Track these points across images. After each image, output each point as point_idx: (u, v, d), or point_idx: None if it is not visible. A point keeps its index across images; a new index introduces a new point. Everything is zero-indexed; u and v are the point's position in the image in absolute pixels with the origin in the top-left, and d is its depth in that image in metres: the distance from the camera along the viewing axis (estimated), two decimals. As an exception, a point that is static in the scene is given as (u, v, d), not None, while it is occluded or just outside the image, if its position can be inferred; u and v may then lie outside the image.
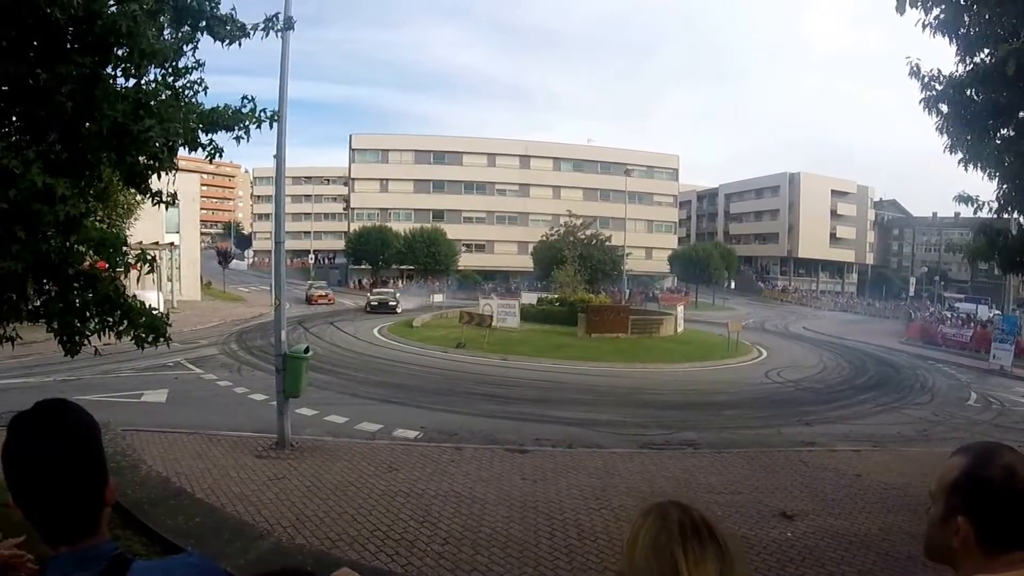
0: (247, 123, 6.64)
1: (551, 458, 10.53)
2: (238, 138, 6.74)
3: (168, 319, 6.36)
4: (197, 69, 6.35)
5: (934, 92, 8.51)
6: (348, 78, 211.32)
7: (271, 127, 6.90)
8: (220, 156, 6.79)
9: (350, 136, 75.75)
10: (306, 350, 10.82)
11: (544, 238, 57.00)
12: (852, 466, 10.72)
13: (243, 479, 8.43)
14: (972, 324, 40.97)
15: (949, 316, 47.50)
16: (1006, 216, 8.79)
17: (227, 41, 6.36)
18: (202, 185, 62.50)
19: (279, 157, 10.75)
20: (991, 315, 44.68)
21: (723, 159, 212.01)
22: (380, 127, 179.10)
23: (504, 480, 9.04)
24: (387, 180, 74.82)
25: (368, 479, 8.70)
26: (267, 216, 70.10)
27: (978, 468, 1.48)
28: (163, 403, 13.86)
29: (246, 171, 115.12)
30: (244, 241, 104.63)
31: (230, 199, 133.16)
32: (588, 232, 53.76)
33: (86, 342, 5.85)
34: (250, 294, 48.00)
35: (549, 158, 77.11)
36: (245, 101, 6.73)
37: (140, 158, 5.98)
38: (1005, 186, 8.22)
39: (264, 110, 6.74)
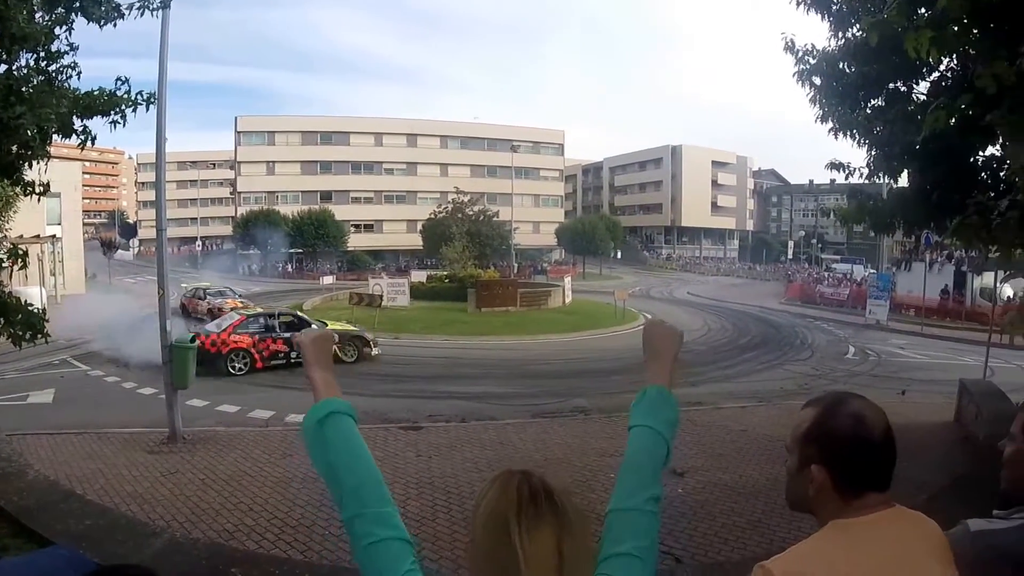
0: (123, 107, 6.24)
1: (445, 433, 10.54)
2: (114, 123, 6.35)
3: (46, 315, 6.16)
4: (70, 53, 6.03)
5: (807, 66, 8.84)
6: (236, 59, 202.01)
7: (147, 110, 6.47)
8: (93, 143, 6.43)
9: (235, 118, 72.96)
10: (192, 339, 10.49)
11: (432, 216, 56.63)
12: (738, 422, 11.12)
13: (135, 477, 8.07)
14: (848, 283, 43.56)
15: (827, 276, 50.44)
16: (876, 181, 9.19)
17: (102, 22, 5.92)
18: (84, 173, 58.50)
19: (159, 141, 10.10)
20: (866, 274, 47.60)
21: (608, 134, 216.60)
22: (268, 109, 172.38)
23: (399, 458, 8.98)
24: (274, 162, 72.70)
25: (263, 467, 8.54)
26: (152, 203, 65.79)
27: (828, 418, 1.52)
28: (50, 403, 13.08)
29: (130, 157, 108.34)
30: (129, 230, 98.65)
31: (114, 187, 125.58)
32: (476, 208, 53.81)
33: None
34: (137, 285, 44.98)
35: (436, 136, 76.70)
36: (119, 84, 6.28)
37: (12, 147, 5.64)
38: (874, 152, 8.59)
39: (140, 93, 6.34)
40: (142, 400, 13.15)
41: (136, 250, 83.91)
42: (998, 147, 5.61)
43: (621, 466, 1.51)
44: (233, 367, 16.37)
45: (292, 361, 16.63)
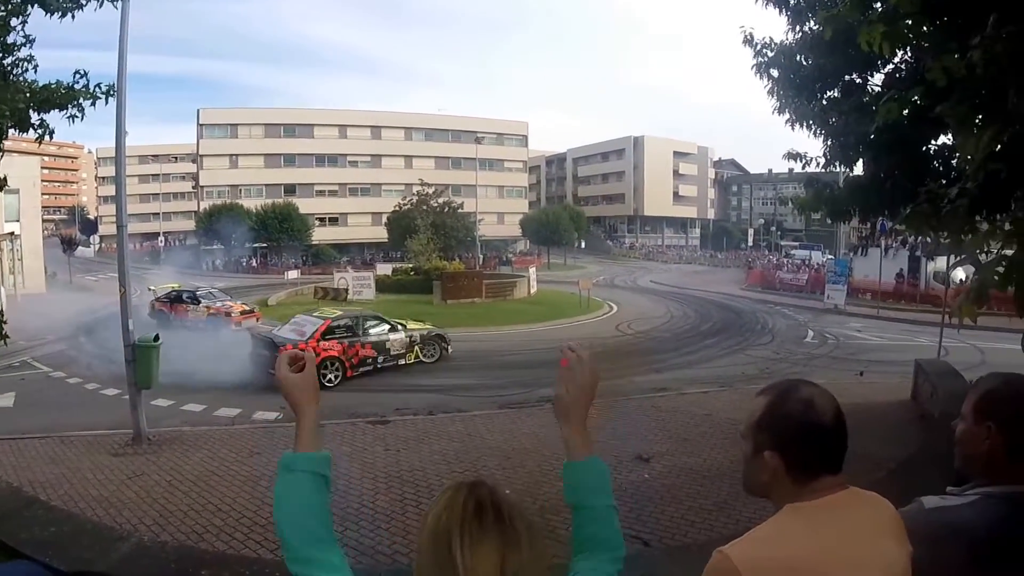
0: (81, 100, 6.09)
1: (413, 426, 10.55)
2: (72, 117, 6.17)
3: (3, 316, 5.98)
4: (27, 45, 5.81)
5: (766, 58, 9.03)
6: (198, 51, 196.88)
7: (106, 103, 6.32)
8: (51, 137, 6.25)
9: (198, 111, 70.93)
10: (156, 338, 10.18)
11: (397, 208, 56.21)
12: (702, 407, 11.32)
13: (101, 480, 7.93)
14: (807, 269, 44.22)
15: (786, 263, 51.15)
16: (832, 170, 9.40)
17: (60, 13, 5.75)
18: (43, 168, 56.54)
19: (119, 136, 9.87)
20: (824, 260, 48.46)
21: (571, 125, 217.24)
22: (231, 101, 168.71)
23: (367, 453, 8.99)
24: (237, 156, 70.81)
25: (230, 466, 8.46)
26: (114, 199, 63.50)
27: (778, 405, 1.57)
28: (11, 407, 12.76)
29: (90, 151, 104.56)
30: (90, 226, 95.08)
31: (74, 182, 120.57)
32: (440, 200, 53.57)
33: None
34: (99, 283, 43.60)
35: (400, 128, 75.70)
36: (78, 77, 6.14)
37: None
38: (830, 142, 8.78)
39: (99, 85, 6.18)
40: (105, 401, 12.92)
41: (97, 247, 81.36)
42: (949, 137, 5.78)
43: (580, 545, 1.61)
44: (325, 378, 14.66)
45: (379, 367, 16.21)
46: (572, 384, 1.63)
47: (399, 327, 17.41)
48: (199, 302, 25.31)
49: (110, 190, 74.15)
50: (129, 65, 9.48)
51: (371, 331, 16.64)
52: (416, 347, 17.45)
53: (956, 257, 4.78)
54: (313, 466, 1.51)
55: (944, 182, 5.84)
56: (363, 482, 7.70)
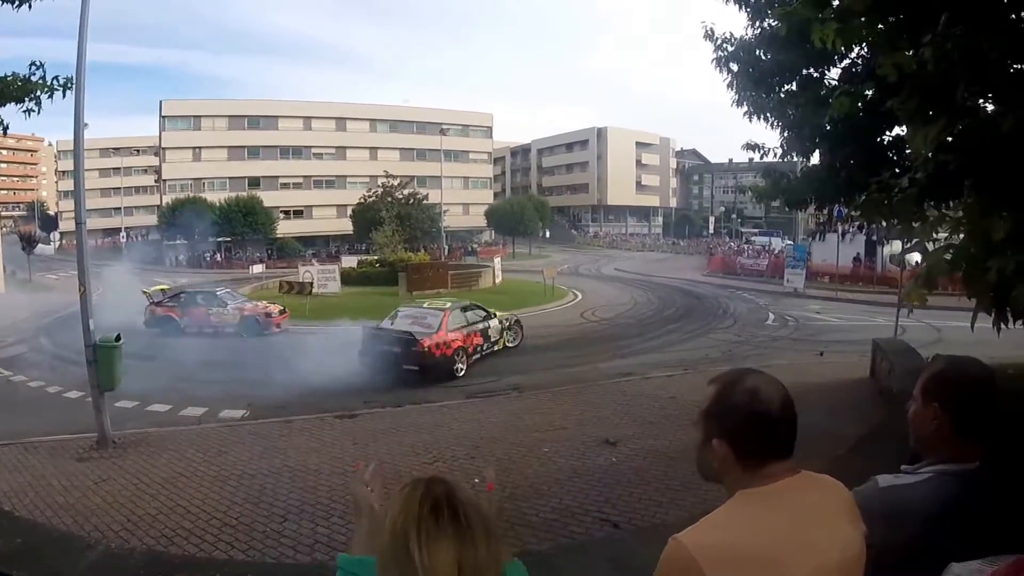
0: (38, 93, 5.92)
1: (381, 419, 10.52)
2: (28, 111, 6.00)
3: None
4: None
5: (726, 52, 9.18)
6: (160, 41, 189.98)
7: (64, 96, 6.15)
8: (6, 132, 6.04)
9: (160, 102, 68.56)
10: (117, 338, 9.83)
11: (362, 200, 55.75)
12: (666, 390, 11.48)
13: (66, 487, 7.66)
14: (767, 254, 45.30)
15: (746, 249, 52.02)
16: (789, 160, 9.62)
17: (15, 2, 5.57)
18: (0, 163, 54.55)
19: (77, 129, 9.42)
20: (783, 246, 49.33)
21: (535, 117, 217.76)
22: (194, 92, 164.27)
23: (336, 447, 8.93)
24: (200, 148, 68.73)
25: (198, 467, 8.27)
26: (74, 193, 61.20)
27: (725, 395, 1.60)
28: None
29: (50, 144, 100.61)
30: (50, 222, 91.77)
31: (33, 176, 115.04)
32: (405, 192, 53.29)
33: None
34: (59, 281, 42.00)
35: (365, 120, 74.76)
36: (33, 68, 5.96)
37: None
38: (787, 134, 9.00)
39: (56, 78, 6.02)
40: (68, 405, 12.51)
41: (57, 244, 78.92)
42: (903, 129, 5.97)
43: None
44: (455, 366, 14.60)
45: (483, 354, 16.17)
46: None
47: (493, 314, 17.59)
48: (226, 304, 22.51)
49: (71, 184, 71.91)
50: (89, 54, 9.11)
51: (477, 319, 16.69)
52: (505, 332, 17.72)
53: (908, 242, 4.96)
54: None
55: (897, 171, 6.02)
56: (332, 477, 7.66)
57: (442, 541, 1.20)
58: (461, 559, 1.19)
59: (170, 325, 21.46)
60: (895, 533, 1.76)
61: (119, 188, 69.33)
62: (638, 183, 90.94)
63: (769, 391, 1.56)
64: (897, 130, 7.35)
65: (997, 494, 1.74)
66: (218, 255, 61.04)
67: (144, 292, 23.44)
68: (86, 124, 9.62)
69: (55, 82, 6.09)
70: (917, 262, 4.45)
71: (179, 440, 9.63)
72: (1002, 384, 1.90)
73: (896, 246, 25.53)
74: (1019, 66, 3.96)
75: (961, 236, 4.36)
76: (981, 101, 4.06)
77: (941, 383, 1.90)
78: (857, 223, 10.62)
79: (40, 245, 55.99)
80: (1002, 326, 4.27)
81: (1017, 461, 1.63)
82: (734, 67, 9.08)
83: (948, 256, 4.14)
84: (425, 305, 17.15)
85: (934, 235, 4.40)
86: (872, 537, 1.62)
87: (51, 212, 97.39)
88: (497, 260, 40.19)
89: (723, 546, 1.44)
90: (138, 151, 70.48)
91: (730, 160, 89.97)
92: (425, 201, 54.01)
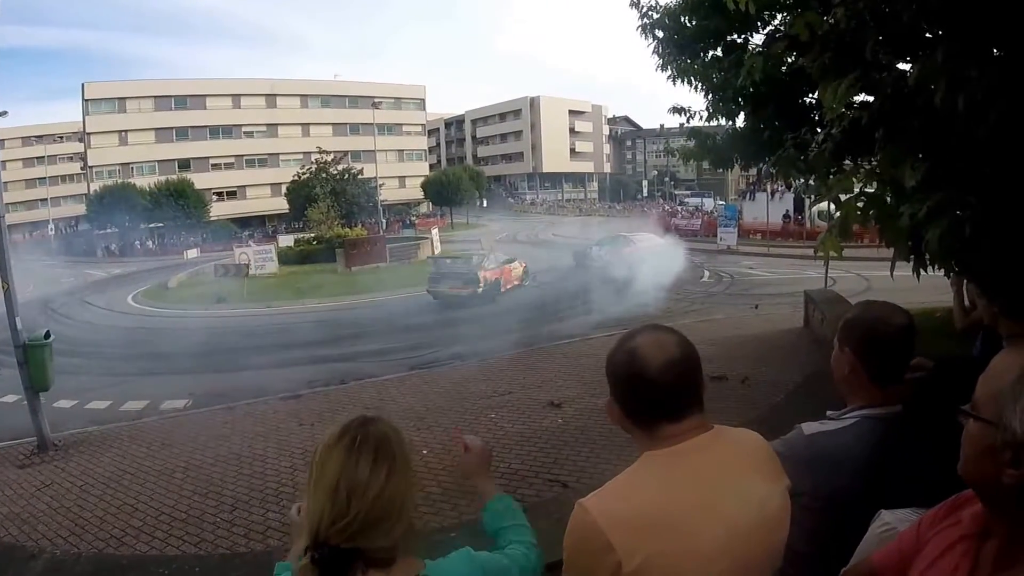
0: None
1: (326, 399, 10.45)
2: None
3: None
4: None
5: (651, 20, 9.29)
6: (79, 20, 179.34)
7: None
8: None
9: (83, 85, 65.19)
10: (47, 335, 9.44)
11: (296, 178, 54.73)
12: (606, 349, 11.47)
13: (9, 496, 7.36)
14: (700, 215, 46.42)
15: (680, 210, 53.05)
16: (716, 123, 9.86)
17: None
18: None
19: None
20: (715, 206, 50.44)
21: (468, 88, 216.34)
22: (118, 74, 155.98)
23: (282, 430, 8.80)
24: (126, 132, 65.58)
25: (142, 462, 8.03)
26: None
27: (612, 354, 1.58)
28: None
29: None
30: None
31: None
32: (340, 167, 52.49)
33: None
34: None
35: (296, 96, 72.94)
36: None
37: None
38: (711, 97, 9.16)
39: None
40: (4, 410, 11.85)
41: None
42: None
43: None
44: (503, 290, 21.98)
45: (514, 286, 22.78)
46: (470, 464, 1.97)
47: (513, 259, 24.10)
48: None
49: (-6, 176, 67.84)
50: (4, 37, 8.58)
51: (505, 262, 23.23)
52: (523, 273, 23.95)
53: (824, 196, 5.14)
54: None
55: (818, 130, 6.22)
56: (280, 460, 7.59)
57: (331, 455, 1.41)
58: (341, 471, 1.38)
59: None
60: (822, 480, 1.77)
61: (44, 178, 65.77)
62: (572, 150, 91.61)
63: (650, 351, 1.49)
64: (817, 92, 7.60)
65: (922, 438, 1.76)
66: (151, 242, 59.11)
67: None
68: (4, 112, 9.13)
69: (-40, 67, 5.71)
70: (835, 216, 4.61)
71: (121, 437, 9.36)
72: (931, 327, 1.95)
73: (823, 203, 26.47)
74: (931, 29, 4.12)
75: (875, 186, 4.53)
76: (891, 58, 4.21)
77: (852, 328, 1.94)
78: (785, 182, 10.96)
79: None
80: (921, 272, 4.43)
81: (943, 403, 1.52)
82: (659, 34, 9.20)
83: (861, 204, 4.30)
84: (481, 251, 24.94)
85: (850, 187, 4.56)
86: (799, 486, 1.61)
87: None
88: (435, 232, 39.98)
89: (626, 511, 1.41)
90: (62, 138, 66.86)
91: (661, 126, 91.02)
92: (360, 176, 53.43)
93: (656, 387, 1.47)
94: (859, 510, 1.67)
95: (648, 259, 22.67)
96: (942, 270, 4.22)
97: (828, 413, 1.95)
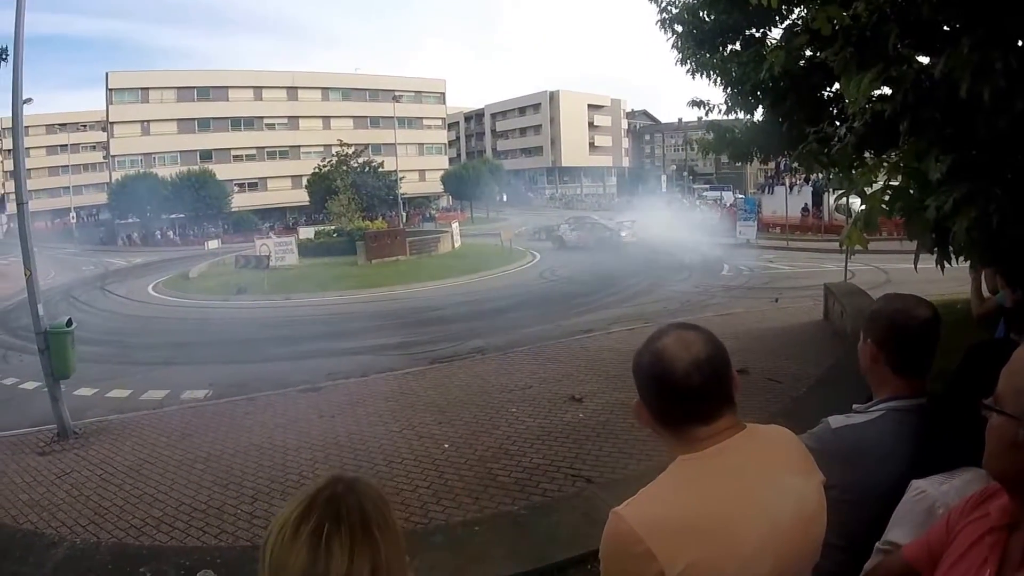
0: None
1: (346, 390, 10.36)
2: None
3: None
4: None
5: (670, 14, 9.32)
6: (104, 10, 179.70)
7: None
8: None
9: (107, 74, 65.55)
10: (69, 323, 9.44)
11: (317, 170, 54.94)
12: (628, 344, 11.49)
13: (29, 483, 7.36)
14: (719, 208, 45.88)
15: (698, 204, 52.68)
16: (735, 116, 9.83)
17: None
18: None
19: (15, 103, 8.87)
20: (735, 199, 50.15)
21: (488, 82, 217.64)
22: (142, 64, 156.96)
23: (302, 422, 8.75)
24: (149, 122, 66.00)
25: (162, 452, 8.01)
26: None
27: (638, 355, 1.52)
28: None
29: None
30: None
31: None
32: (360, 160, 52.64)
33: None
34: (10, 267, 39.54)
35: (317, 88, 73.41)
36: None
37: None
38: (730, 90, 9.14)
39: None
40: (25, 397, 11.93)
41: (5, 227, 75.44)
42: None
43: None
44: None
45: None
46: None
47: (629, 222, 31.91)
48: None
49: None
50: (30, 25, 8.62)
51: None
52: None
53: (848, 190, 5.12)
54: None
55: (837, 124, 6.19)
56: (300, 453, 7.55)
57: (291, 552, 1.09)
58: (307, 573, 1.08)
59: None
60: (851, 473, 1.77)
61: (67, 166, 66.67)
62: (591, 144, 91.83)
63: (676, 352, 1.44)
64: (837, 85, 7.56)
65: (947, 428, 1.73)
66: (172, 232, 59.63)
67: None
68: (29, 99, 9.09)
69: (-11, 51, 5.79)
70: (859, 210, 4.58)
71: (142, 425, 9.34)
72: (952, 319, 1.93)
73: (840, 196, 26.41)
74: (952, 23, 4.09)
75: (899, 179, 4.51)
76: (911, 51, 4.19)
77: (874, 319, 1.96)
78: (804, 175, 10.95)
79: (-13, 228, 53.04)
80: (945, 264, 4.40)
81: (967, 394, 1.51)
82: (678, 28, 9.22)
83: (887, 198, 4.28)
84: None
85: (873, 181, 4.54)
86: (829, 480, 1.57)
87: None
88: (455, 225, 40.17)
89: (664, 517, 1.37)
90: (85, 126, 67.76)
91: (680, 120, 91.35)
92: (380, 169, 53.53)
93: (684, 389, 1.42)
94: (888, 502, 1.67)
95: (598, 232, 33.70)
96: (969, 262, 4.19)
97: (854, 406, 1.95)
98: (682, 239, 29.70)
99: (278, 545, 1.10)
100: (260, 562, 1.13)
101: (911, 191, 4.31)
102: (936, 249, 4.34)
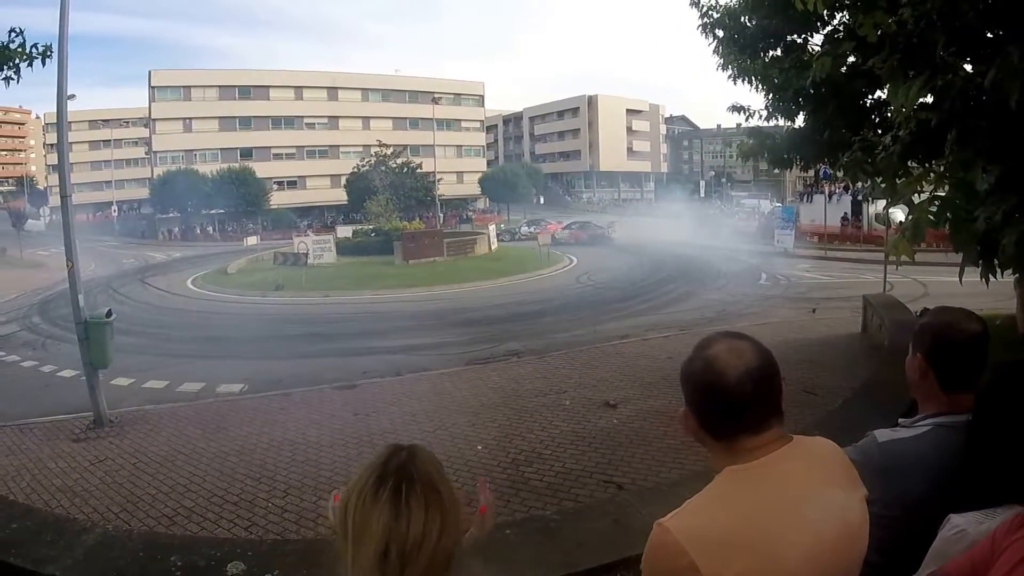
0: (17, 61, 5.77)
1: (381, 389, 10.39)
2: (7, 79, 5.87)
3: None
4: None
5: (711, 19, 9.30)
6: (148, 10, 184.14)
7: (44, 64, 6.01)
8: None
9: (149, 72, 67.46)
10: (108, 313, 9.62)
11: (356, 170, 55.51)
12: (664, 351, 11.50)
13: (63, 469, 7.50)
14: (756, 216, 45.35)
15: (736, 211, 52.18)
16: (775, 123, 9.79)
17: None
18: None
19: (60, 99, 9.05)
20: (772, 207, 49.58)
21: (527, 85, 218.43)
22: (184, 63, 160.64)
23: (336, 419, 8.80)
24: (191, 119, 67.61)
25: (197, 444, 8.11)
26: None
27: (687, 362, 1.49)
28: None
29: (37, 116, 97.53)
30: (40, 197, 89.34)
31: (22, 150, 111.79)
32: (399, 161, 53.08)
33: None
34: (51, 258, 40.51)
35: (357, 89, 74.32)
36: (13, 35, 5.84)
37: None
38: (771, 96, 9.08)
39: (36, 45, 5.86)
40: (62, 384, 12.15)
41: (48, 219, 77.54)
42: (885, 90, 6.06)
43: None
44: None
45: None
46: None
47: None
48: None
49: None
50: (75, 24, 8.72)
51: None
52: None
53: (892, 200, 5.03)
54: None
55: (880, 132, 6.11)
56: (334, 450, 7.59)
57: (373, 512, 1.20)
58: (390, 533, 1.19)
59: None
60: (895, 489, 1.75)
61: (109, 161, 68.28)
62: (629, 149, 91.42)
63: (728, 359, 1.42)
64: (879, 92, 7.43)
65: (990, 445, 1.64)
66: (211, 227, 60.62)
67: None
68: (72, 95, 9.29)
69: (34, 50, 5.90)
70: (901, 221, 4.49)
71: (177, 417, 9.47)
72: (992, 334, 1.89)
73: (881, 205, 25.90)
74: (996, 29, 4.02)
75: (946, 189, 4.43)
76: (956, 59, 4.12)
77: (924, 333, 1.92)
78: (843, 184, 10.82)
79: (30, 221, 54.26)
80: (989, 277, 4.31)
81: (1011, 411, 1.52)
82: (719, 33, 9.19)
83: (934, 208, 4.20)
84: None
85: (919, 191, 4.47)
86: (872, 494, 1.55)
87: (40, 187, 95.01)
88: (492, 227, 40.29)
89: (709, 530, 1.34)
90: (128, 122, 69.25)
91: (718, 126, 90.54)
92: (419, 170, 53.92)
93: (735, 398, 1.40)
94: (931, 520, 1.64)
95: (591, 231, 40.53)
96: (1015, 275, 4.11)
97: (900, 421, 1.92)
98: (719, 247, 29.42)
99: (359, 509, 1.22)
100: (340, 528, 1.25)
101: (958, 202, 4.23)
102: (981, 262, 4.25)
